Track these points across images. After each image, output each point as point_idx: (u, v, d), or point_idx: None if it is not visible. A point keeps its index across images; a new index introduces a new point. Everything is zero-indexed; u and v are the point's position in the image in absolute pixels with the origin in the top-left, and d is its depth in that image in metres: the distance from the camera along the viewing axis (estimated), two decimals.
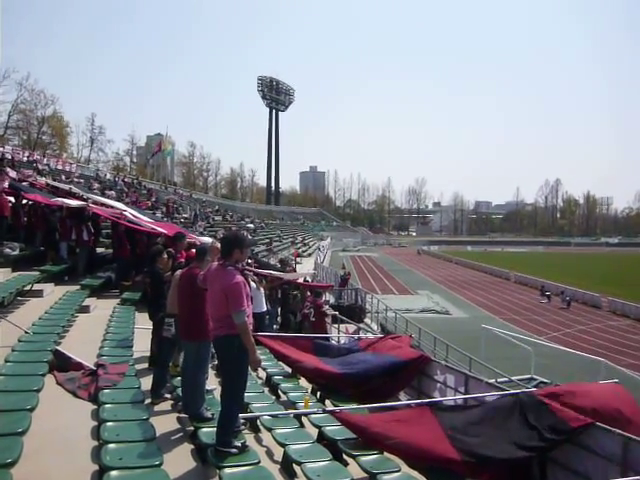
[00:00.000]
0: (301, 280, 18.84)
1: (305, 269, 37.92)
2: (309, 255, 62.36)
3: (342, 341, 12.91)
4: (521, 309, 41.21)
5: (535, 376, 14.69)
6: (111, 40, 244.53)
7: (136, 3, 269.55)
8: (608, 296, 42.85)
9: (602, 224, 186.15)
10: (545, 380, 14.23)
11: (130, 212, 16.06)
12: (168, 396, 6.85)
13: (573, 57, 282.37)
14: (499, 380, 11.73)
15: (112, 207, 16.59)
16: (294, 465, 5.25)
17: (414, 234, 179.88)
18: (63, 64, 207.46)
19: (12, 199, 14.81)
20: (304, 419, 6.74)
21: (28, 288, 11.03)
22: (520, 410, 6.01)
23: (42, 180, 23.24)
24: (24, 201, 15.42)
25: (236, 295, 5.03)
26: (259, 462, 4.95)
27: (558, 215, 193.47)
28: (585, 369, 15.11)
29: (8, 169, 19.89)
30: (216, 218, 53.19)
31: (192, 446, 5.50)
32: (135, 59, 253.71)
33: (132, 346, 8.04)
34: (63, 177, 34.15)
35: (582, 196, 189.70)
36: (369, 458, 5.56)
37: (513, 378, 13.17)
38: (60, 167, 42.95)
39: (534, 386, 12.11)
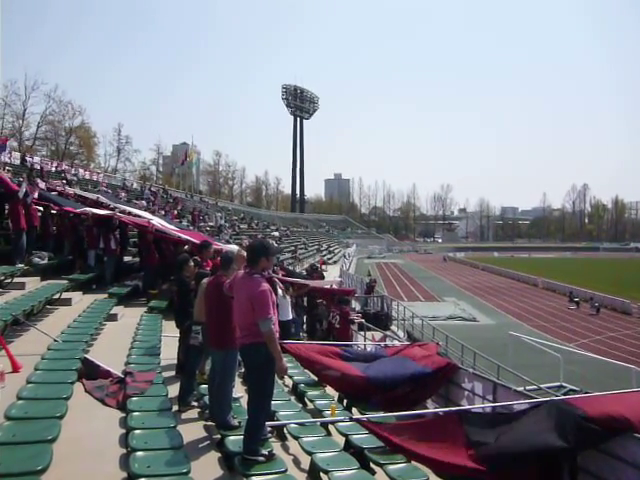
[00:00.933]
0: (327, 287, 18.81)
1: (331, 276, 37.86)
2: (335, 262, 62.35)
3: (368, 349, 12.84)
4: (549, 316, 40.65)
5: (564, 384, 14.48)
6: (136, 51, 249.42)
7: (161, 14, 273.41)
8: (639, 302, 42.07)
9: (631, 229, 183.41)
10: (575, 387, 14.02)
11: (157, 221, 16.20)
12: (195, 404, 6.87)
13: (602, 59, 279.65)
14: (528, 388, 11.59)
15: (139, 216, 16.75)
16: (321, 474, 5.22)
17: (440, 241, 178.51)
18: (90, 75, 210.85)
19: (41, 208, 15.02)
20: (331, 427, 6.70)
21: (57, 297, 11.15)
22: (548, 416, 5.91)
23: (70, 190, 23.57)
24: (53, 211, 15.62)
25: (262, 303, 5.04)
26: (286, 470, 4.94)
27: (586, 220, 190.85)
28: (616, 376, 14.84)
29: (38, 180, 20.21)
30: (242, 226, 53.47)
31: (219, 454, 5.50)
32: (160, 70, 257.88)
33: (159, 354, 8.08)
34: (90, 187, 34.63)
35: (610, 201, 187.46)
36: (397, 467, 5.52)
37: (542, 386, 13.01)
38: (88, 177, 43.60)
39: (564, 394, 11.94)
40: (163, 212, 31.30)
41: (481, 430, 5.96)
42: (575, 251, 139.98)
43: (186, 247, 12.73)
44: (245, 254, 5.93)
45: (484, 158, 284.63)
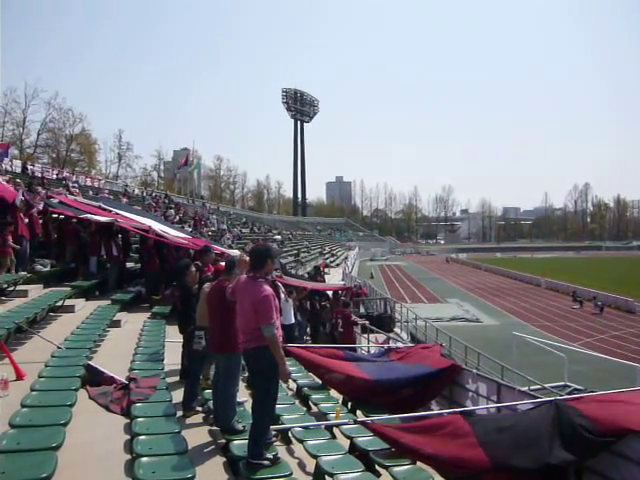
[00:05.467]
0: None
1: (334, 279, 37.89)
2: (337, 265, 62.29)
3: (372, 351, 12.83)
4: (553, 315, 40.59)
5: (569, 383, 14.47)
6: (136, 57, 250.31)
7: (162, 20, 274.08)
8: None
9: (634, 227, 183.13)
10: (579, 387, 14.01)
11: (158, 226, 16.18)
12: (199, 409, 6.87)
13: (602, 59, 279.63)
14: (532, 388, 11.57)
15: (138, 222, 16.70)
16: (326, 477, 5.20)
17: (442, 242, 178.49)
18: (90, 82, 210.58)
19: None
20: (335, 430, 6.69)
21: (60, 304, 11.15)
22: (554, 418, 5.90)
23: (71, 198, 23.53)
24: (54, 215, 15.57)
25: (265, 308, 5.04)
26: (291, 474, 4.94)
27: (588, 219, 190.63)
28: (620, 375, 14.82)
29: (39, 188, 20.16)
30: (244, 230, 53.44)
31: (224, 459, 5.49)
32: (160, 75, 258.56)
33: (163, 359, 8.07)
34: (90, 192, 34.60)
35: (612, 199, 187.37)
36: (402, 469, 5.51)
37: (546, 385, 12.98)
38: (89, 184, 43.60)
39: (568, 393, 11.92)
40: (164, 217, 31.34)
41: (488, 430, 5.95)
42: (578, 250, 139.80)
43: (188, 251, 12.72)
44: (247, 259, 5.94)
45: (486, 159, 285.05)
